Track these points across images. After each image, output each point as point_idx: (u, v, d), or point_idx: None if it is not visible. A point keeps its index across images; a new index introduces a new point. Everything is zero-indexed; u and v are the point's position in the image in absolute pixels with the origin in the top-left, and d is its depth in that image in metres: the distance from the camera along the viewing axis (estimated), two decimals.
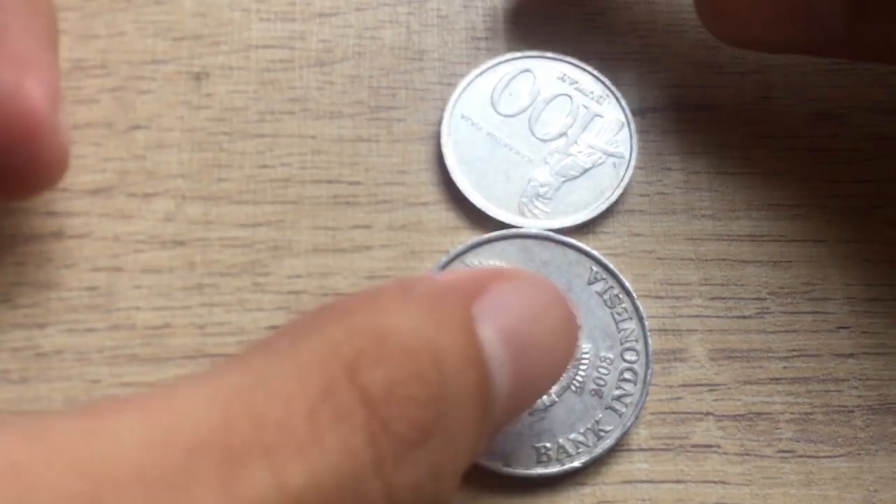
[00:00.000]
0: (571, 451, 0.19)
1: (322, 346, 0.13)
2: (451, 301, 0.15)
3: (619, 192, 0.21)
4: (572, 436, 0.19)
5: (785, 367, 0.21)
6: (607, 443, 0.19)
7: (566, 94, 0.21)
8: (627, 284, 0.20)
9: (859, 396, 0.21)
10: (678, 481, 0.20)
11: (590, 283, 0.20)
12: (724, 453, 0.20)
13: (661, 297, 0.21)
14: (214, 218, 0.21)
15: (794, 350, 0.21)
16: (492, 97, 0.21)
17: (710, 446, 0.20)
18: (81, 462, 0.11)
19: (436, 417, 0.13)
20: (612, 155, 0.21)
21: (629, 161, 0.21)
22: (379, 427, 0.12)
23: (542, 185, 0.20)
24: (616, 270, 0.20)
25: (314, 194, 0.21)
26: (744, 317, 0.21)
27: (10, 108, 0.16)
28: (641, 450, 0.20)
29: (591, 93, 0.21)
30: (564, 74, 0.22)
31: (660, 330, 0.21)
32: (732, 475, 0.20)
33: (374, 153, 0.22)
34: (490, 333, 0.15)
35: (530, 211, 0.21)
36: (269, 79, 0.22)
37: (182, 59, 0.22)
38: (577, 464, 0.19)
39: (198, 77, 0.22)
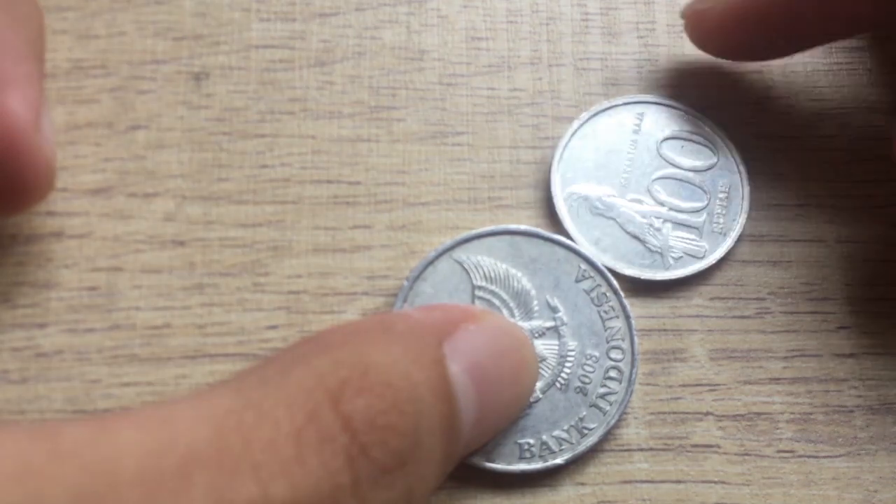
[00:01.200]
0: (554, 447, 0.19)
1: (308, 375, 0.14)
2: (425, 339, 0.16)
3: (638, 273, 0.21)
4: (556, 433, 0.19)
5: (785, 367, 0.21)
6: (590, 440, 0.19)
7: (714, 197, 0.20)
8: (615, 283, 0.20)
9: (859, 396, 0.21)
10: (678, 481, 0.20)
11: (577, 281, 0.20)
12: (724, 453, 0.20)
13: (661, 297, 0.21)
14: (214, 218, 0.21)
15: (794, 350, 0.21)
16: (673, 128, 0.21)
17: (710, 446, 0.20)
18: (89, 463, 0.12)
19: (411, 446, 0.14)
20: (674, 257, 0.21)
21: (676, 267, 0.21)
22: (358, 452, 0.14)
23: (599, 202, 0.20)
24: (604, 268, 0.20)
25: (314, 194, 0.21)
26: (744, 317, 0.21)
27: None
28: (641, 450, 0.20)
29: (719, 223, 0.21)
30: (730, 187, 0.21)
31: (660, 330, 0.21)
32: (732, 475, 0.20)
33: (374, 153, 0.22)
34: (458, 369, 0.16)
35: (565, 204, 0.21)
36: (269, 79, 0.22)
37: (182, 59, 0.22)
38: (559, 461, 0.19)
39: (198, 77, 0.22)
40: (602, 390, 0.20)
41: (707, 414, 0.20)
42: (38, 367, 0.19)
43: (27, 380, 0.19)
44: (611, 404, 0.19)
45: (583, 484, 0.19)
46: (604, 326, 0.20)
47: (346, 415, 0.14)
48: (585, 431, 0.19)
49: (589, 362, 0.20)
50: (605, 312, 0.20)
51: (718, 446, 0.20)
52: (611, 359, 0.20)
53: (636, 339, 0.20)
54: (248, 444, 0.13)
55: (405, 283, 0.20)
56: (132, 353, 0.20)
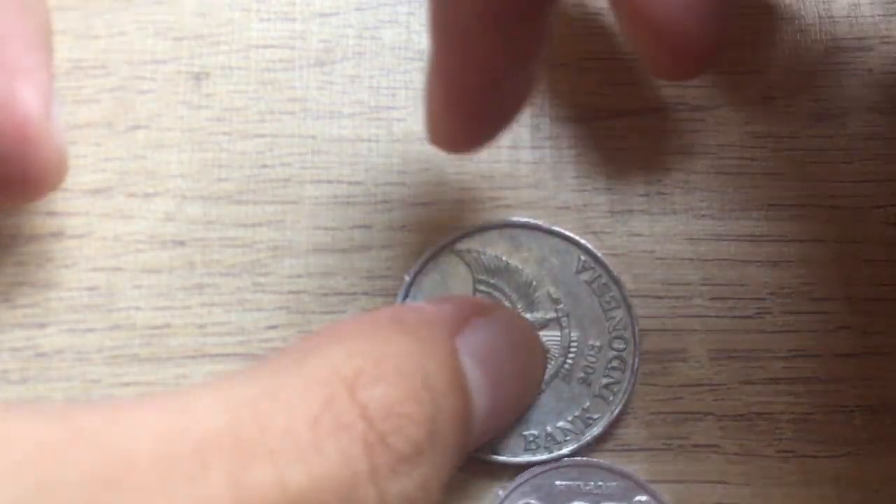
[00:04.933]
0: (559, 438, 0.19)
1: (323, 365, 0.14)
2: (437, 332, 0.16)
3: None
4: (560, 423, 0.19)
5: (785, 367, 0.21)
6: (595, 430, 0.19)
7: None
8: (616, 273, 0.20)
9: (859, 396, 0.20)
10: (678, 481, 0.20)
11: (578, 272, 0.20)
12: (724, 453, 0.20)
13: (661, 297, 0.21)
14: (214, 218, 0.21)
15: (794, 350, 0.21)
16: None
17: (710, 446, 0.20)
18: (103, 446, 0.12)
19: (428, 435, 0.14)
20: None
21: None
22: (376, 439, 0.13)
23: None
24: (604, 259, 0.20)
25: (314, 194, 0.21)
26: (744, 317, 0.21)
27: (2, 115, 0.17)
28: (641, 450, 0.20)
29: None
30: None
31: (660, 330, 0.21)
32: (732, 475, 0.20)
33: (374, 153, 0.22)
34: (470, 363, 0.16)
35: None
36: (269, 79, 0.22)
37: (182, 59, 0.22)
38: (564, 451, 0.19)
39: (198, 77, 0.22)
40: (605, 380, 0.20)
41: (707, 414, 0.20)
42: (38, 367, 0.19)
43: (27, 380, 0.19)
44: (614, 394, 0.20)
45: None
46: (605, 317, 0.20)
47: (363, 403, 0.14)
48: (590, 421, 0.19)
49: (592, 353, 0.20)
50: (607, 303, 0.20)
51: (718, 446, 0.20)
52: (613, 349, 0.20)
53: (638, 328, 0.20)
54: (264, 431, 0.13)
55: (406, 277, 0.20)
56: (132, 353, 0.20)
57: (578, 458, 0.19)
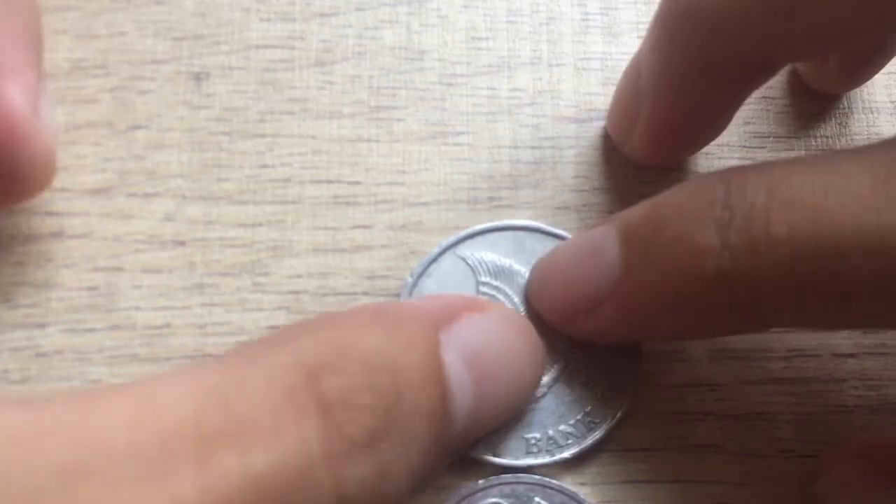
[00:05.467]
0: (561, 441, 0.19)
1: (290, 355, 0.15)
2: (417, 325, 0.16)
3: None
4: (562, 427, 0.19)
5: (785, 367, 0.21)
6: (597, 434, 0.19)
7: None
8: None
9: (859, 396, 0.21)
10: (678, 481, 0.20)
11: None
12: (724, 453, 0.20)
13: None
14: (214, 218, 0.21)
15: (794, 350, 0.21)
16: None
17: (711, 446, 0.20)
18: (76, 436, 0.12)
19: (386, 425, 0.15)
20: None
21: None
22: (332, 427, 0.14)
23: None
24: None
25: (314, 194, 0.21)
26: None
27: None
28: (641, 450, 0.20)
29: None
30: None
31: None
32: (732, 475, 0.20)
33: (374, 153, 0.22)
34: (455, 358, 0.16)
35: None
36: (269, 79, 0.22)
37: (182, 59, 0.22)
38: (566, 454, 0.19)
39: (198, 77, 0.22)
40: (607, 383, 0.20)
41: (707, 414, 0.20)
42: (38, 367, 0.19)
43: (27, 380, 0.19)
44: (616, 397, 0.19)
45: (583, 484, 0.19)
46: None
47: (321, 392, 0.14)
48: (592, 425, 0.19)
49: (594, 356, 0.20)
50: None
51: (718, 446, 0.20)
52: (614, 351, 0.20)
53: None
54: (229, 418, 0.13)
55: (409, 279, 0.20)
56: (132, 353, 0.20)
57: (523, 476, 0.19)
